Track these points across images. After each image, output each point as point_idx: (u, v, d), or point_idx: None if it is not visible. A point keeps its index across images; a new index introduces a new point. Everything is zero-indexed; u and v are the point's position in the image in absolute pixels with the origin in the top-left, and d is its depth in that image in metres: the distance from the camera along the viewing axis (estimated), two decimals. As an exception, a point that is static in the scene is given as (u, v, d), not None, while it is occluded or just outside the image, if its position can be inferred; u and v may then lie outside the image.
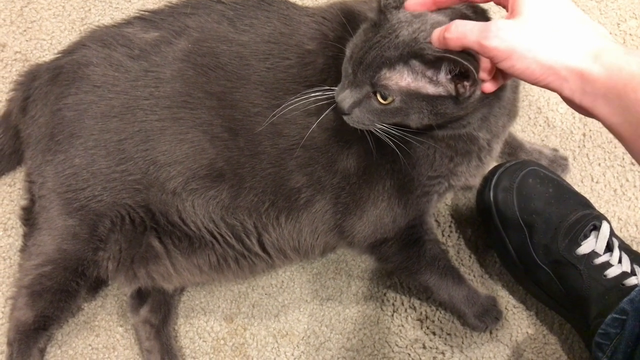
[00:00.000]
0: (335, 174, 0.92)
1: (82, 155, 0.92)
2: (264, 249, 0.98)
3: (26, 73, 1.04)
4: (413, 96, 0.76)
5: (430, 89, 0.76)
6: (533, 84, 0.69)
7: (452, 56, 0.71)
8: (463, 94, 0.75)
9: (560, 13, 0.68)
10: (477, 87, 0.75)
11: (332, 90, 0.83)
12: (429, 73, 0.75)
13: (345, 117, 0.81)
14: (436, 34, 0.72)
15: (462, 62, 0.71)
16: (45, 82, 0.98)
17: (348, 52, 0.80)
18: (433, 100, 0.77)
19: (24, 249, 1.00)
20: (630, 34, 1.23)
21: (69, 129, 0.93)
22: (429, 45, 0.73)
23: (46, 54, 1.21)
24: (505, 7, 0.73)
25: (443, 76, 0.75)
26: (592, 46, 0.66)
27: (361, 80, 0.78)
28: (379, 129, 0.81)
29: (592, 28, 0.68)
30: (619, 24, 1.24)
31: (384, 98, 0.77)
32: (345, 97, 0.79)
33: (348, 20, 0.91)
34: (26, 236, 1.00)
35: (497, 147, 0.96)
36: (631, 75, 0.62)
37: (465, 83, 0.74)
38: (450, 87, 0.75)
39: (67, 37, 1.22)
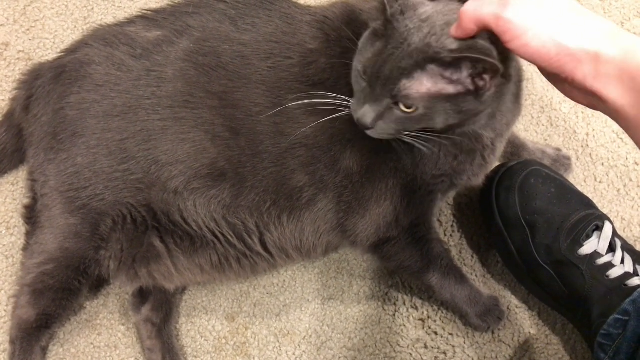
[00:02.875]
0: (338, 172, 0.92)
1: (84, 154, 0.93)
2: (265, 249, 0.98)
3: (29, 72, 1.04)
4: (435, 99, 0.76)
5: (451, 89, 0.76)
6: (544, 66, 0.68)
7: (472, 55, 0.71)
8: (483, 87, 0.75)
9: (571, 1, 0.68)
10: (497, 78, 0.75)
11: (342, 98, 0.83)
12: (447, 74, 0.75)
13: (369, 132, 0.81)
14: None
15: (485, 60, 0.71)
16: (48, 81, 0.98)
17: (359, 66, 0.79)
18: (455, 99, 0.76)
19: (26, 248, 1.00)
20: (635, 33, 1.22)
21: (71, 127, 0.93)
22: (443, 47, 0.73)
23: (49, 53, 1.21)
24: None
25: (462, 74, 0.75)
26: (607, 29, 0.66)
27: (380, 94, 0.77)
28: (405, 135, 0.81)
29: (601, 19, 0.68)
30: (623, 22, 1.24)
31: (408, 107, 0.77)
32: (366, 112, 0.79)
33: (350, 20, 0.91)
34: (28, 234, 1.00)
35: (501, 147, 0.95)
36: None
37: (485, 76, 0.74)
38: (469, 83, 0.75)
39: (70, 36, 1.22)
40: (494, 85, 0.77)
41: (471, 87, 0.76)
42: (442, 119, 0.79)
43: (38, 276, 0.95)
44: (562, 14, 0.67)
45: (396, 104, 0.78)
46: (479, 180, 0.99)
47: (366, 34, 0.81)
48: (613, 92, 0.65)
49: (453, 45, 0.73)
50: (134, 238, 0.95)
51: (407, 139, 0.83)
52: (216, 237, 0.96)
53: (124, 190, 0.93)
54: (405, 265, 0.98)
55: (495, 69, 0.73)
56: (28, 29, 1.23)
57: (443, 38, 0.74)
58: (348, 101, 0.83)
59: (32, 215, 0.99)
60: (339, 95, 0.84)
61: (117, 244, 0.95)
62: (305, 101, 0.87)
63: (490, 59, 0.71)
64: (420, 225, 0.96)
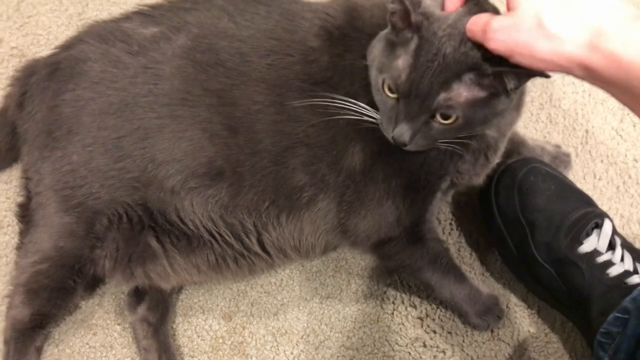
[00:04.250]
0: (340, 172, 0.91)
1: (79, 152, 0.91)
2: (263, 249, 0.97)
3: (23, 68, 1.02)
4: (473, 106, 0.76)
5: (484, 93, 0.75)
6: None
7: (513, 70, 0.71)
8: (516, 86, 0.75)
9: None
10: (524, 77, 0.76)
11: (360, 105, 0.83)
12: (485, 81, 0.74)
13: (405, 148, 0.80)
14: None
15: (526, 74, 0.71)
16: (42, 78, 0.96)
17: (388, 82, 0.77)
18: (490, 102, 0.76)
19: (20, 247, 0.99)
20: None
21: (66, 125, 0.92)
22: (481, 56, 0.73)
23: (43, 50, 1.19)
24: None
25: (494, 80, 0.74)
26: (590, 30, 0.63)
27: (418, 112, 0.76)
28: (442, 143, 0.82)
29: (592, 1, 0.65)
30: None
31: (446, 118, 0.77)
32: (403, 131, 0.78)
33: (353, 17, 0.90)
34: (22, 233, 0.99)
35: (502, 146, 0.95)
36: (633, 63, 0.60)
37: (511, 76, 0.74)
38: (497, 84, 0.75)
39: (64, 33, 1.20)
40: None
41: (500, 88, 0.75)
42: (480, 123, 0.79)
43: (32, 275, 0.93)
44: (541, 24, 0.65)
45: (433, 117, 0.77)
46: (480, 179, 0.98)
47: (379, 46, 0.80)
48: (615, 95, 0.67)
49: (488, 53, 0.72)
50: (129, 237, 0.93)
51: (443, 146, 0.83)
52: (213, 236, 0.95)
53: (119, 189, 0.91)
54: (405, 265, 0.98)
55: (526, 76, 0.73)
56: (22, 25, 1.21)
57: (476, 44, 0.73)
58: (365, 108, 0.83)
59: (26, 214, 0.98)
60: (358, 102, 0.83)
61: (113, 243, 0.93)
62: (314, 101, 0.86)
63: (528, 73, 0.71)
64: (421, 225, 0.95)
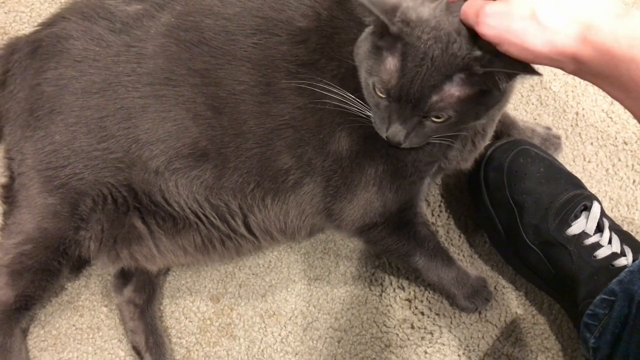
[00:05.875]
0: (327, 156, 0.90)
1: (62, 131, 0.90)
2: (249, 231, 0.96)
3: (5, 46, 1.00)
4: (465, 103, 0.75)
5: (475, 90, 0.74)
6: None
7: (504, 70, 0.70)
8: (505, 82, 0.74)
9: None
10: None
11: (347, 94, 0.82)
12: (475, 79, 0.73)
13: (400, 146, 0.80)
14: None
15: (515, 73, 0.71)
16: (24, 56, 0.95)
17: (378, 86, 0.76)
18: (481, 97, 0.75)
19: (3, 228, 0.97)
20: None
21: (48, 104, 0.91)
22: (470, 55, 0.71)
23: (25, 27, 1.17)
24: None
25: (485, 79, 0.73)
26: (581, 22, 0.64)
27: (410, 114, 0.76)
28: (435, 139, 0.82)
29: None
30: None
31: (439, 118, 0.76)
32: (397, 131, 0.78)
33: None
34: (6, 214, 0.97)
35: (491, 131, 0.95)
36: (621, 55, 0.61)
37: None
38: (488, 82, 0.74)
39: (47, 10, 1.18)
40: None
41: (491, 85, 0.74)
42: (473, 118, 0.79)
43: (16, 257, 0.92)
44: (533, 14, 0.65)
45: (426, 116, 0.76)
46: (468, 164, 0.97)
47: (365, 47, 0.78)
48: (604, 88, 0.66)
49: (477, 51, 0.71)
50: (114, 218, 0.92)
51: (437, 141, 0.83)
52: (199, 218, 0.94)
53: (103, 170, 0.90)
54: (391, 249, 0.97)
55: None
56: (3, 2, 1.19)
57: (464, 43, 0.72)
58: (351, 97, 0.82)
59: (9, 195, 0.96)
60: (343, 91, 0.82)
61: (98, 225, 0.92)
62: (299, 83, 0.85)
63: (518, 71, 0.70)
64: (408, 210, 0.95)
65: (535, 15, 0.65)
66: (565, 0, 0.65)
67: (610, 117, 1.16)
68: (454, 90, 0.74)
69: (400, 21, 0.72)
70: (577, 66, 0.65)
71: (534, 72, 0.71)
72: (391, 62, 0.74)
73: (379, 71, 0.75)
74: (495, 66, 0.71)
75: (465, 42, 0.72)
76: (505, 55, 0.69)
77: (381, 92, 0.77)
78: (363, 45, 0.79)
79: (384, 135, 0.80)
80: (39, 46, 0.93)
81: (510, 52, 0.68)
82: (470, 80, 0.73)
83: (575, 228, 0.96)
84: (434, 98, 0.74)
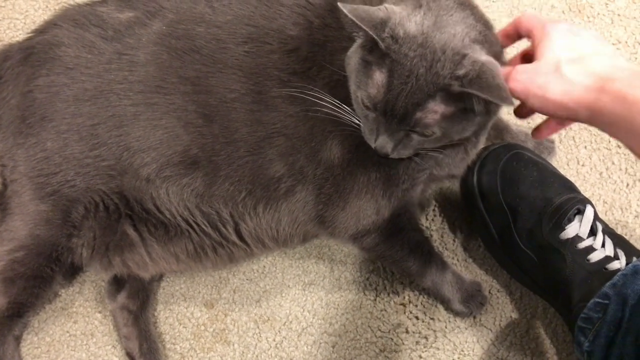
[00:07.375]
0: (319, 164, 0.90)
1: (54, 139, 0.90)
2: (241, 238, 0.96)
3: (-2, 53, 1.00)
4: (449, 119, 0.76)
5: (458, 107, 0.75)
6: (553, 117, 0.81)
7: (476, 93, 0.72)
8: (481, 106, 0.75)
9: (575, 46, 0.73)
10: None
11: (337, 103, 0.82)
12: (453, 97, 0.74)
13: (389, 156, 0.81)
14: None
15: (488, 99, 0.72)
16: (16, 63, 0.95)
17: (365, 101, 0.77)
18: (465, 114, 0.76)
19: (-4, 235, 0.98)
20: (619, 14, 1.21)
21: (40, 111, 0.91)
22: (452, 75, 0.72)
23: (19, 34, 1.17)
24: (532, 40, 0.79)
25: (464, 99, 0.74)
26: (600, 76, 0.70)
27: (396, 128, 0.77)
28: (423, 150, 0.83)
29: (605, 55, 0.73)
30: (607, 4, 1.22)
31: (425, 133, 0.77)
32: (384, 143, 0.79)
33: (335, 7, 0.88)
34: (-2, 221, 0.98)
35: (483, 139, 0.94)
36: (635, 102, 0.66)
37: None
38: (466, 102, 0.75)
39: (41, 17, 1.18)
40: None
41: (469, 107, 0.75)
42: (458, 133, 0.79)
43: (8, 264, 0.92)
44: (557, 70, 0.72)
45: (412, 130, 0.77)
46: (460, 170, 0.97)
47: (355, 60, 0.78)
48: (617, 135, 0.71)
49: (460, 70, 0.72)
50: (106, 226, 0.92)
51: (425, 152, 0.84)
52: (190, 226, 0.94)
53: (95, 177, 0.90)
54: (385, 255, 0.97)
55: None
56: (-3, 9, 1.19)
57: (447, 63, 0.73)
58: (342, 106, 0.82)
59: (1, 202, 0.96)
60: (334, 100, 0.82)
61: (90, 232, 0.92)
62: (291, 91, 0.85)
63: (495, 97, 0.71)
64: (401, 216, 0.95)
65: (558, 69, 0.72)
66: (587, 60, 0.72)
67: (604, 121, 1.16)
68: (437, 107, 0.74)
69: (389, 37, 0.73)
70: (591, 115, 0.70)
71: (507, 102, 0.72)
72: (379, 77, 0.75)
73: (367, 85, 0.76)
74: (472, 88, 0.72)
75: (449, 61, 0.73)
76: (486, 79, 0.71)
77: (368, 106, 0.77)
78: (353, 57, 0.79)
79: (372, 146, 0.80)
80: (30, 53, 0.93)
81: (534, 104, 0.74)
82: (451, 98, 0.74)
83: (568, 232, 0.96)
84: (418, 115, 0.74)
